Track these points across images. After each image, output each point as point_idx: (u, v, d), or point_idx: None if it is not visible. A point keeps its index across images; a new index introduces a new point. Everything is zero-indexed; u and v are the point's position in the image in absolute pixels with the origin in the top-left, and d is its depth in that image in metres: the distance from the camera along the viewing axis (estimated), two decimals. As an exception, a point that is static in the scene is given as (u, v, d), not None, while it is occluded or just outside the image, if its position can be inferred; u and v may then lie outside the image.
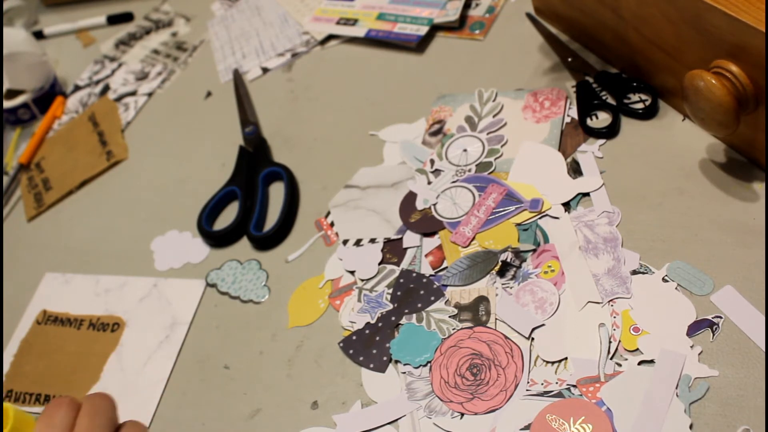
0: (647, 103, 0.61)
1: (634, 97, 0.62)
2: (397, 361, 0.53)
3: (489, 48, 0.74)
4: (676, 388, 0.45)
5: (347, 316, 0.57)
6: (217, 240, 0.67)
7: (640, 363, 0.47)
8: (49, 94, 0.93)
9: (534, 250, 0.56)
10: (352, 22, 0.83)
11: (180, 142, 0.81)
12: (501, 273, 0.55)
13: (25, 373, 0.64)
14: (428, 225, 0.60)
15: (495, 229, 0.58)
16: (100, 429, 0.43)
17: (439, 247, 0.59)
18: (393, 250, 0.60)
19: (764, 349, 0.46)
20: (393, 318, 0.56)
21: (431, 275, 0.57)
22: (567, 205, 0.57)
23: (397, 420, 0.50)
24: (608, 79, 0.64)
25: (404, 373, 0.52)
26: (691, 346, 0.47)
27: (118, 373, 0.61)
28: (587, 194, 0.58)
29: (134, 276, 0.68)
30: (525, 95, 0.66)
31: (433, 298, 0.56)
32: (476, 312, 0.54)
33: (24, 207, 0.82)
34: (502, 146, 0.63)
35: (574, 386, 0.48)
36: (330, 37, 0.84)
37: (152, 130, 0.84)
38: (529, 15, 0.73)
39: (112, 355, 0.63)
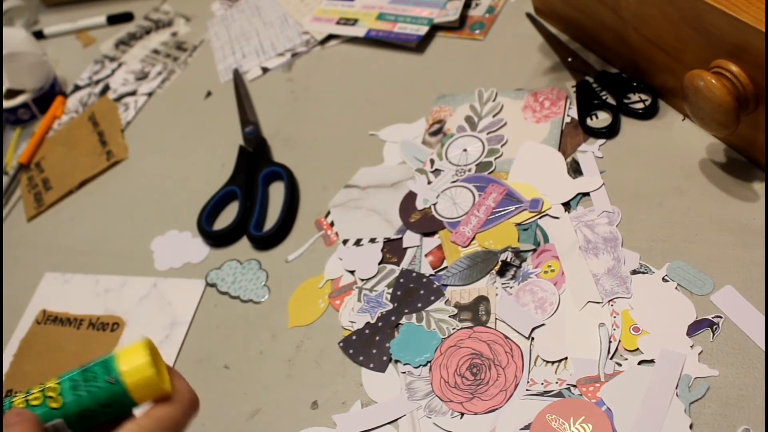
0: (647, 103, 0.61)
1: (634, 97, 0.62)
2: (397, 361, 0.53)
3: (489, 48, 0.74)
4: (676, 388, 0.45)
5: (347, 316, 0.57)
6: (217, 240, 0.67)
7: (640, 363, 0.47)
8: (49, 94, 0.93)
9: (534, 250, 0.56)
10: (352, 22, 0.83)
11: (180, 142, 0.81)
12: (501, 273, 0.55)
13: (25, 372, 0.64)
14: (428, 225, 0.60)
15: (495, 228, 0.58)
16: None
17: (439, 247, 0.59)
18: (393, 249, 0.60)
19: (764, 349, 0.46)
20: (393, 318, 0.56)
21: (431, 275, 0.57)
22: (567, 205, 0.57)
23: (397, 420, 0.50)
24: (608, 79, 0.64)
25: (404, 372, 0.52)
26: (691, 346, 0.47)
27: (118, 372, 0.61)
28: (587, 194, 0.58)
29: (134, 276, 0.68)
30: (525, 95, 0.66)
31: (433, 298, 0.56)
32: (476, 312, 0.54)
33: (24, 207, 0.82)
34: (502, 146, 0.63)
35: (574, 386, 0.48)
36: (330, 37, 0.84)
37: (152, 130, 0.84)
38: (529, 15, 0.73)
39: (112, 355, 0.63)
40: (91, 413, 0.42)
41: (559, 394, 0.48)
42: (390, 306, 0.57)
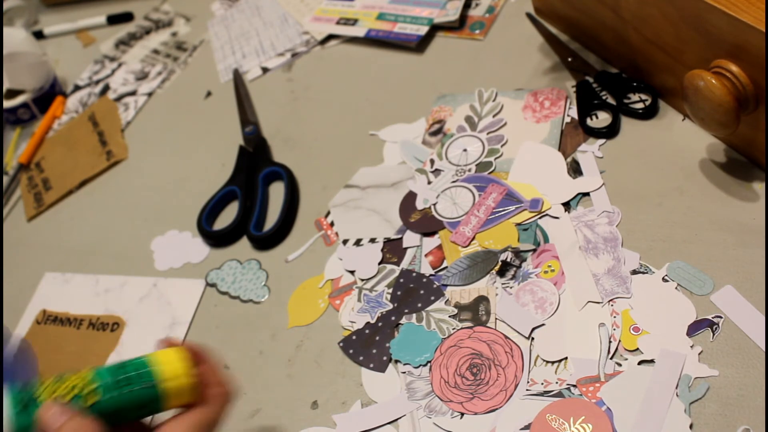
0: (647, 103, 0.61)
1: (634, 97, 0.62)
2: (397, 361, 0.53)
3: (489, 48, 0.74)
4: (676, 388, 0.45)
5: (347, 316, 0.57)
6: (217, 240, 0.67)
7: (640, 363, 0.47)
8: (49, 94, 0.93)
9: (534, 250, 0.56)
10: (352, 22, 0.83)
11: (180, 142, 0.81)
12: (501, 273, 0.55)
13: (25, 372, 0.64)
14: (428, 225, 0.60)
15: (495, 228, 0.58)
16: None
17: (439, 247, 0.59)
18: (393, 249, 0.60)
19: (764, 349, 0.46)
20: (393, 318, 0.56)
21: (431, 275, 0.57)
22: (567, 205, 0.57)
23: (397, 420, 0.50)
24: (608, 79, 0.64)
25: (404, 372, 0.52)
26: (691, 346, 0.47)
27: (118, 372, 0.61)
28: (587, 194, 0.58)
29: (134, 276, 0.68)
30: (525, 95, 0.66)
31: (433, 298, 0.56)
32: (476, 312, 0.54)
33: (24, 207, 0.82)
34: (502, 146, 0.63)
35: (574, 386, 0.48)
36: (330, 37, 0.84)
37: (152, 130, 0.84)
38: (529, 15, 0.73)
39: (112, 355, 0.63)
40: (125, 412, 0.42)
41: (559, 394, 0.48)
42: (390, 306, 0.57)
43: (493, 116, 0.66)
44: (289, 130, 0.76)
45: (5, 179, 0.85)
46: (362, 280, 0.59)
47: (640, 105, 0.61)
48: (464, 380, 0.50)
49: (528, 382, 0.49)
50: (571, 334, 0.50)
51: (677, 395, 0.45)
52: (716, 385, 0.45)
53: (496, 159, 0.63)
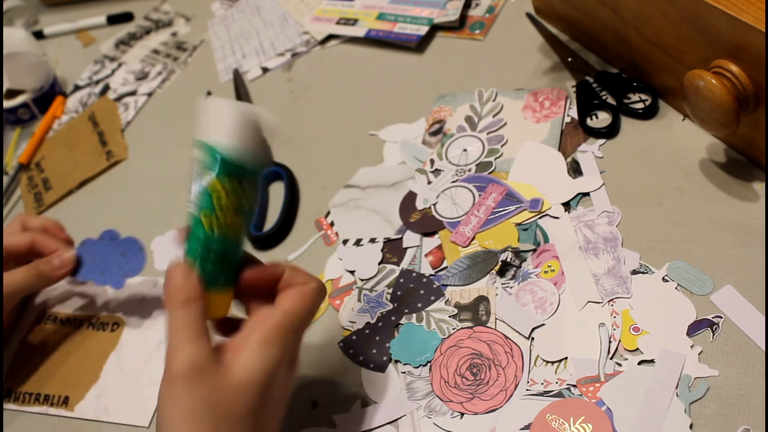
0: (647, 103, 0.61)
1: (634, 97, 0.62)
2: (397, 361, 0.53)
3: (489, 48, 0.74)
4: (676, 388, 0.45)
5: (347, 316, 0.57)
6: (217, 240, 0.67)
7: (640, 363, 0.47)
8: (49, 94, 0.93)
9: (534, 250, 0.56)
10: (352, 22, 0.83)
11: (180, 142, 0.81)
12: (501, 273, 0.55)
13: (25, 372, 0.64)
14: (428, 225, 0.60)
15: (495, 228, 0.58)
16: None
17: (439, 247, 0.59)
18: (393, 249, 0.60)
19: (764, 349, 0.46)
20: (393, 318, 0.56)
21: (431, 275, 0.57)
22: (567, 205, 0.57)
23: (397, 420, 0.50)
24: (608, 79, 0.64)
25: (404, 373, 0.52)
26: (691, 346, 0.47)
27: (117, 372, 0.61)
28: (587, 194, 0.58)
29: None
30: (525, 95, 0.66)
31: (433, 298, 0.56)
32: (476, 312, 0.54)
33: (24, 207, 0.82)
34: (502, 146, 0.63)
35: (574, 386, 0.48)
36: (330, 37, 0.84)
37: (152, 130, 0.84)
38: (529, 15, 0.73)
39: (112, 355, 0.63)
40: None
41: (559, 394, 0.48)
42: (390, 306, 0.57)
43: (493, 116, 0.66)
44: (289, 130, 0.76)
45: (5, 179, 0.85)
46: (362, 280, 0.59)
47: (640, 105, 0.61)
48: (464, 380, 0.50)
49: (528, 382, 0.49)
50: (571, 334, 0.50)
51: (677, 395, 0.45)
52: (716, 385, 0.45)
53: (496, 159, 0.63)
